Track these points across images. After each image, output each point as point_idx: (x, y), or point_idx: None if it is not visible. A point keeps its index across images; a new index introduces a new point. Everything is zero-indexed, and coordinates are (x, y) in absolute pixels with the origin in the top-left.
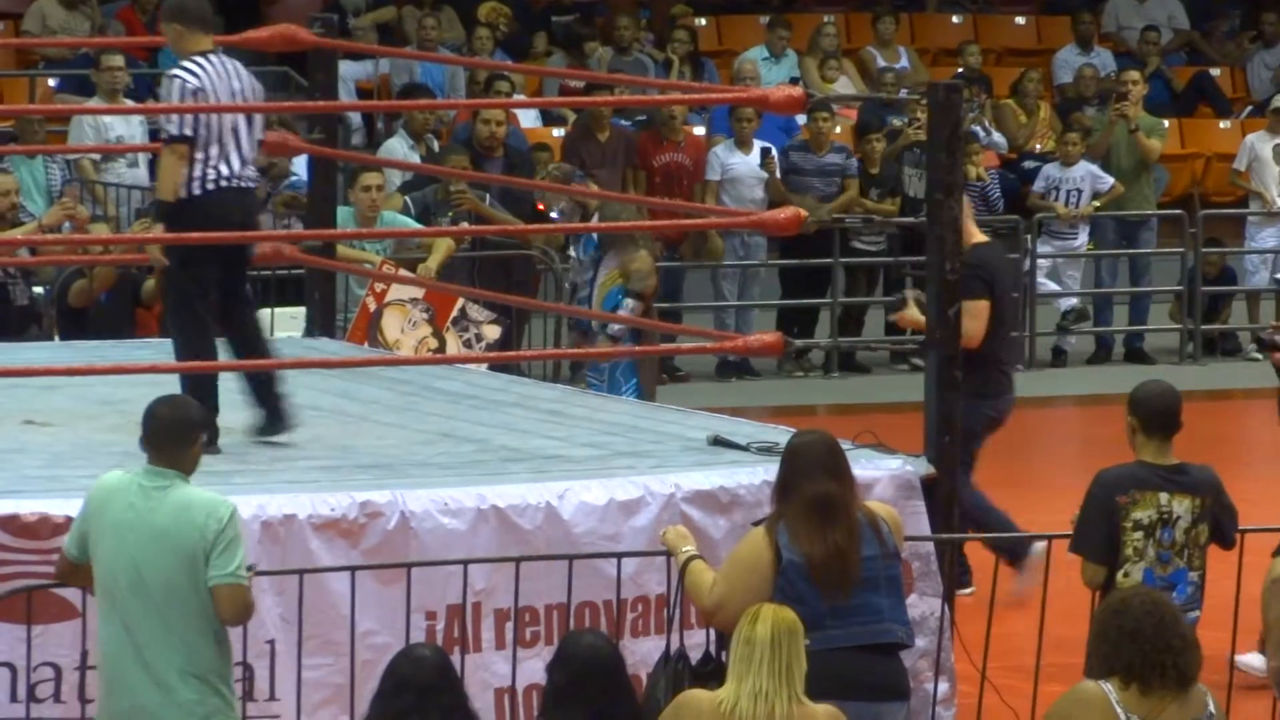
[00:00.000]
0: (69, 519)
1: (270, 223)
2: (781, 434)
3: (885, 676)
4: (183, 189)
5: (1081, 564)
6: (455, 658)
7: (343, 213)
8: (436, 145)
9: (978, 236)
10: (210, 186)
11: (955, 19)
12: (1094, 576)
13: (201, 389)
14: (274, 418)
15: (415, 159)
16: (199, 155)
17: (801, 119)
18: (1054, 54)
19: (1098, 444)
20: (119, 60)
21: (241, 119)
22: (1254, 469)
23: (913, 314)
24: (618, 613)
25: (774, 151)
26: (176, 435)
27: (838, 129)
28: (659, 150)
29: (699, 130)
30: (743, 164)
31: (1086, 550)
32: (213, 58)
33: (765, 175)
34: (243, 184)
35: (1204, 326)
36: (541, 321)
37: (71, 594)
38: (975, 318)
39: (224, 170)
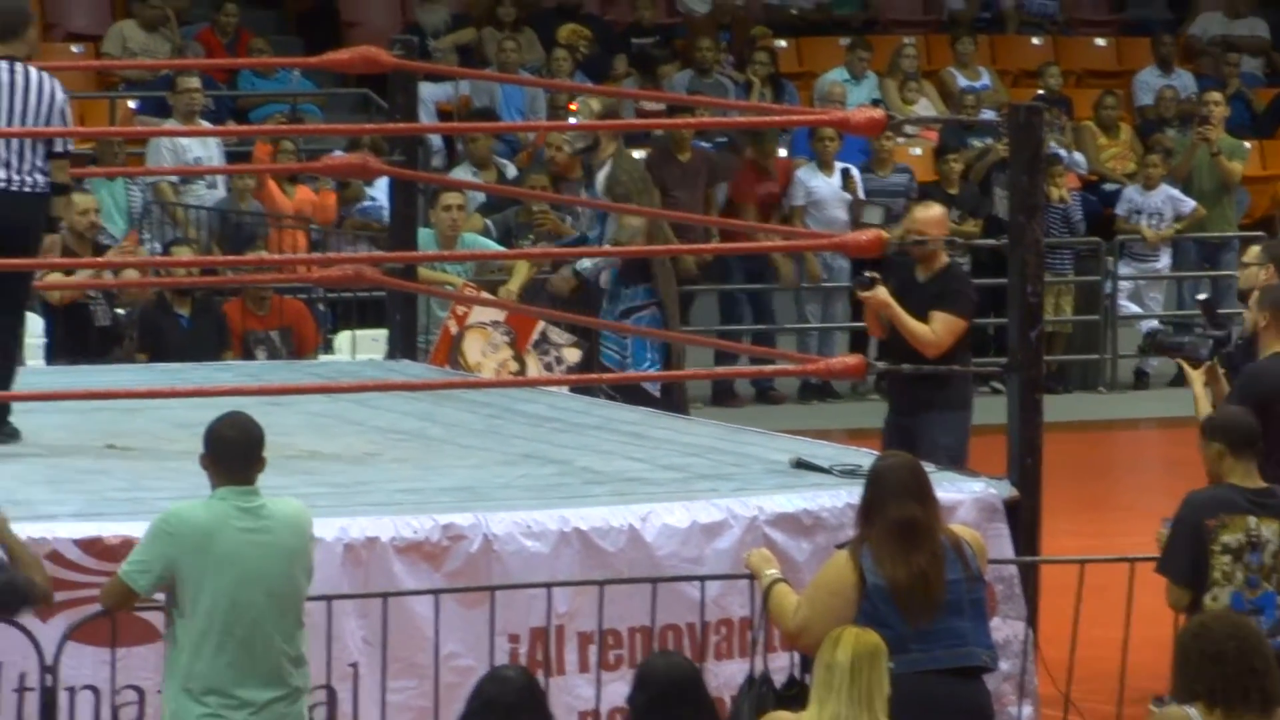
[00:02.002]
0: None
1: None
2: (864, 457)
3: (969, 700)
4: None
5: (1167, 586)
6: (539, 680)
7: (423, 234)
8: (512, 169)
9: (945, 258)
10: None
11: (1035, 40)
12: (1179, 599)
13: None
14: None
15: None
16: None
17: None
18: (1134, 75)
19: (1180, 466)
20: (195, 82)
21: (16, 125)
22: None
23: (882, 294)
24: (701, 635)
25: (854, 172)
26: (253, 453)
27: (916, 151)
28: (759, 182)
29: (780, 152)
30: (825, 186)
31: (1172, 572)
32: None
33: (848, 197)
34: (10, 188)
35: None
36: None
37: (154, 616)
38: (954, 333)
39: None
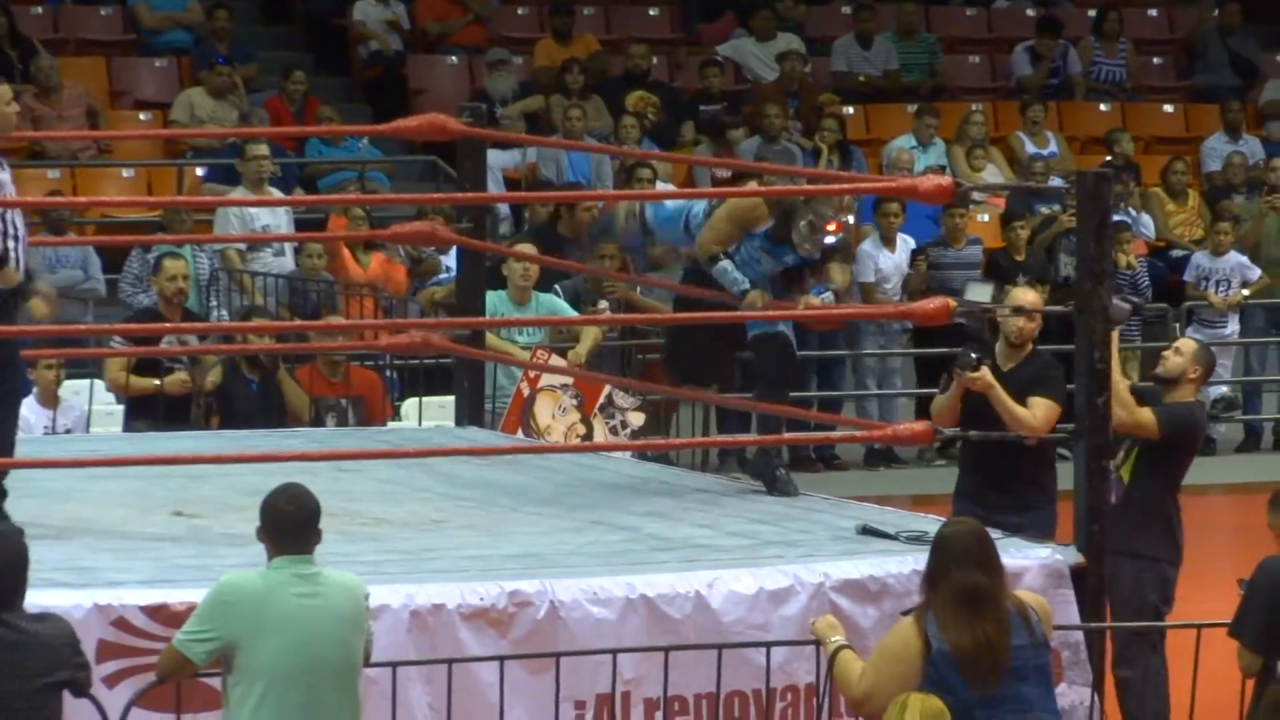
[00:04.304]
0: None
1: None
2: (931, 523)
3: None
4: None
5: (1239, 650)
6: None
7: (492, 298)
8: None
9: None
10: None
11: (1103, 107)
12: (1250, 664)
13: None
14: None
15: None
16: None
17: None
18: (1202, 142)
19: (1248, 533)
20: (264, 149)
21: None
22: None
23: (989, 375)
24: (767, 702)
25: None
26: (310, 524)
27: (984, 217)
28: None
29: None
30: (887, 261)
31: (1246, 637)
32: None
33: (908, 272)
34: None
35: None
36: (689, 410)
37: (219, 682)
38: (1052, 421)
39: None
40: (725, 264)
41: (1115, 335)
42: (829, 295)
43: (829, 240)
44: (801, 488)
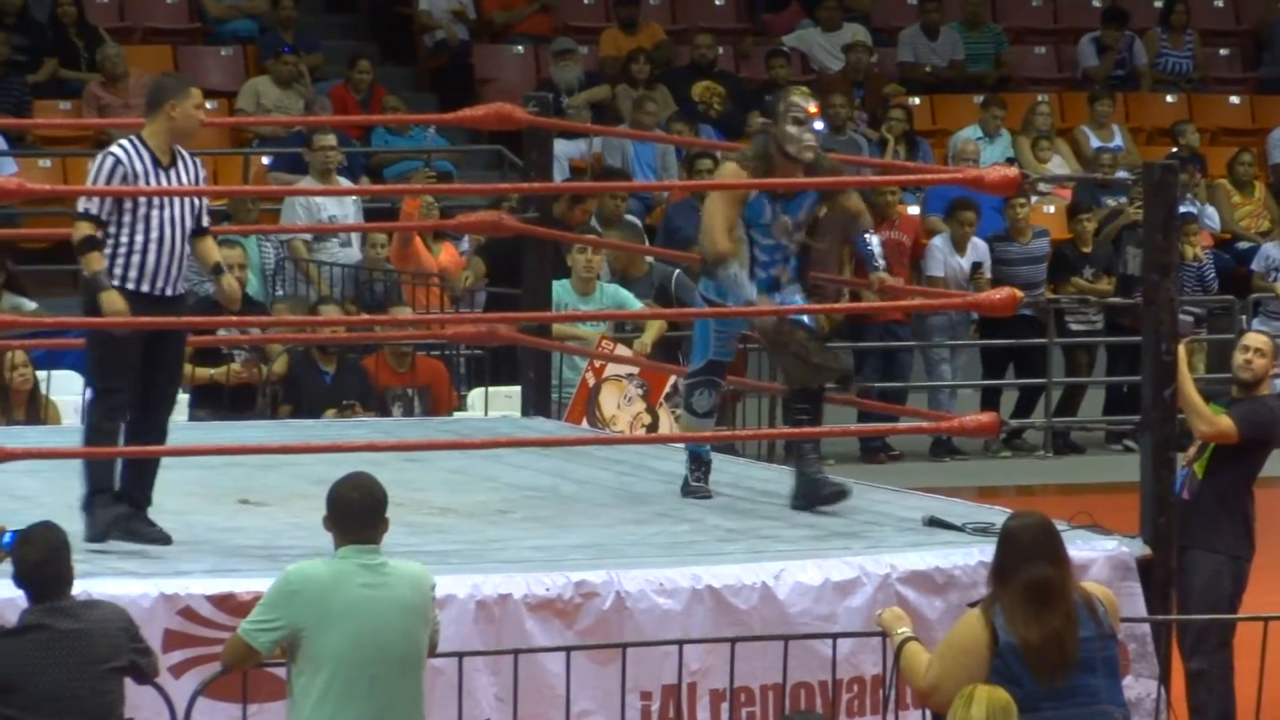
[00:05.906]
0: None
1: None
2: (997, 515)
3: None
4: None
5: None
6: None
7: (558, 288)
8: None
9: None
10: None
11: (1169, 98)
12: None
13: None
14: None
15: None
16: None
17: None
18: (1268, 133)
19: None
20: (331, 139)
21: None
22: None
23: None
24: (833, 693)
25: (984, 266)
26: (377, 514)
27: (1050, 209)
28: (878, 227)
29: (913, 210)
30: (956, 264)
31: None
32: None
33: (967, 274)
34: None
35: None
36: (755, 400)
37: (284, 672)
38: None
39: None
40: (734, 271)
41: (1183, 349)
42: (876, 246)
43: (817, 126)
44: (867, 479)
